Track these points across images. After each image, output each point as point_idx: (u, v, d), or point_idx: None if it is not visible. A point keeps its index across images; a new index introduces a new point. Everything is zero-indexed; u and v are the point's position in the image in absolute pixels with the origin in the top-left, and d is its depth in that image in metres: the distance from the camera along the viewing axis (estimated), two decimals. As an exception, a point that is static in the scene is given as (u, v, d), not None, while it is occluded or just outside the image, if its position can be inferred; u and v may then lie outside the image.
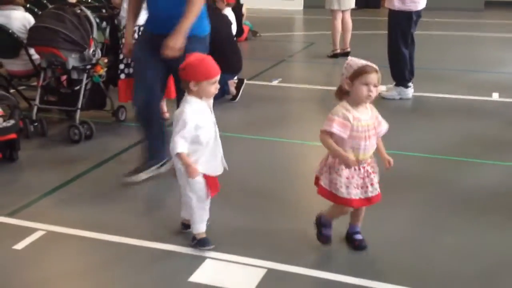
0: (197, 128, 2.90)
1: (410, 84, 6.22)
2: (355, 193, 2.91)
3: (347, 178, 2.89)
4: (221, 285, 2.82)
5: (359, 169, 2.91)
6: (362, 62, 2.86)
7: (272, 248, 3.17)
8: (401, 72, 6.16)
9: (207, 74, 2.92)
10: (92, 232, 3.34)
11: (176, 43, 3.52)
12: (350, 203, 2.94)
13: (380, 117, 3.01)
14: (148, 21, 3.91)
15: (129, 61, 5.10)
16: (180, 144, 2.87)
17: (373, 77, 2.82)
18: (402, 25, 6.01)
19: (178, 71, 2.99)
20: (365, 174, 2.93)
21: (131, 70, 5.09)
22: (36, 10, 5.93)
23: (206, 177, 3.02)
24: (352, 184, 2.89)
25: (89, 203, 3.74)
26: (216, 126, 3.06)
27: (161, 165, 4.09)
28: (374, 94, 2.85)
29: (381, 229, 3.37)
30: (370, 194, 2.93)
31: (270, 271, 2.92)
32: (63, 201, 3.82)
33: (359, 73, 2.82)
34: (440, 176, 4.18)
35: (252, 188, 3.91)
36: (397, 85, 6.22)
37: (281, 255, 3.07)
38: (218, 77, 2.97)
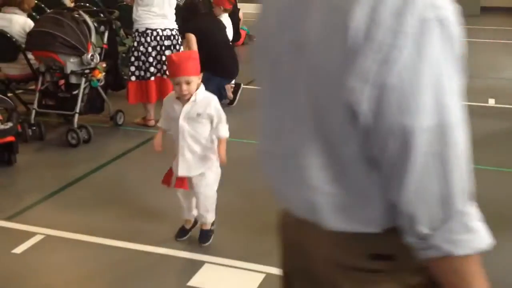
0: (168, 113, 3.15)
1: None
2: None
3: None
4: (219, 289, 2.84)
5: None
6: None
7: (270, 253, 3.18)
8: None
9: (171, 73, 3.12)
10: (90, 236, 3.35)
11: None
12: None
13: None
14: None
15: (140, 64, 5.11)
16: (161, 120, 3.25)
17: None
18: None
19: None
20: None
21: (142, 73, 5.11)
22: (34, 14, 5.94)
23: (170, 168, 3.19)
24: None
25: (88, 207, 3.75)
26: (186, 133, 3.05)
27: None
28: None
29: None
30: None
31: (268, 276, 2.94)
32: (61, 205, 3.83)
33: None
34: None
35: (250, 192, 3.92)
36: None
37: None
38: (181, 79, 2.99)
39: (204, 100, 3.07)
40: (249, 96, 6.39)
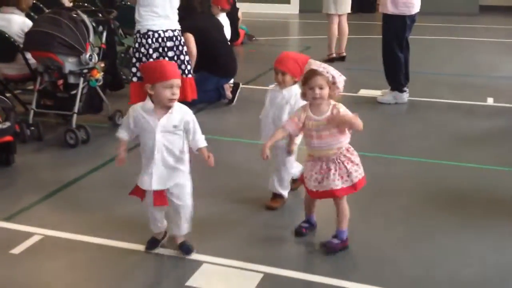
0: (138, 126, 2.95)
1: (406, 88, 6.23)
2: (313, 185, 3.11)
3: (308, 171, 3.12)
4: (218, 289, 2.84)
5: (318, 164, 3.08)
6: (311, 67, 3.03)
7: (269, 253, 3.18)
8: (396, 76, 6.17)
9: (160, 76, 2.84)
10: (89, 236, 3.35)
11: None
12: (308, 192, 3.20)
13: (343, 112, 3.02)
14: None
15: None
16: (121, 131, 3.04)
17: (316, 81, 2.97)
18: (396, 29, 6.03)
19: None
20: (325, 170, 3.06)
21: None
22: (32, 14, 5.93)
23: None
24: (313, 177, 3.09)
25: (86, 208, 3.75)
26: (162, 146, 2.91)
27: None
28: (319, 95, 2.98)
29: (376, 233, 3.39)
30: (321, 188, 3.09)
31: (266, 276, 2.93)
32: (59, 205, 3.83)
33: (305, 80, 3.02)
34: (435, 180, 4.20)
35: (248, 192, 3.92)
36: (392, 89, 6.24)
37: (278, 260, 3.09)
38: (174, 81, 2.84)
39: (179, 111, 2.93)
40: (248, 95, 6.39)
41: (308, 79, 3.00)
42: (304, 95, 3.09)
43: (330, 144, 3.03)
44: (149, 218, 3.13)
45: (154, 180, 2.95)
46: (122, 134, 3.03)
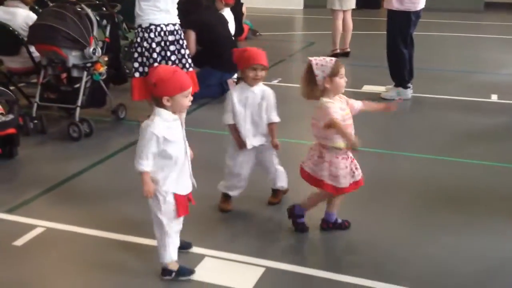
0: (165, 142, 2.72)
1: (409, 84, 6.23)
2: (349, 179, 3.14)
3: (345, 168, 3.11)
4: (220, 283, 2.84)
5: (348, 158, 3.14)
6: (329, 59, 3.10)
7: (270, 247, 3.19)
8: (400, 72, 6.16)
9: (180, 87, 2.72)
10: (91, 229, 3.36)
11: None
12: (345, 191, 3.17)
13: (350, 100, 3.21)
14: None
15: (144, 60, 5.04)
16: (145, 162, 2.72)
17: (344, 69, 3.10)
18: (400, 25, 6.02)
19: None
20: (351, 160, 3.16)
21: (146, 69, 5.02)
22: (37, 8, 5.94)
23: (176, 196, 2.82)
24: (349, 172, 3.13)
25: (89, 201, 3.76)
26: (186, 142, 2.84)
27: None
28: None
29: (378, 228, 3.39)
30: (357, 178, 3.16)
31: (268, 270, 2.94)
32: (62, 198, 3.84)
33: (337, 70, 3.06)
34: (438, 176, 4.19)
35: (251, 187, 3.92)
36: (396, 85, 6.23)
37: (280, 254, 3.10)
38: (190, 89, 2.77)
39: None
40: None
41: (339, 69, 3.07)
42: (320, 90, 3.09)
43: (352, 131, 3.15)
44: (173, 239, 2.87)
45: (193, 179, 2.89)
46: (147, 166, 2.74)
